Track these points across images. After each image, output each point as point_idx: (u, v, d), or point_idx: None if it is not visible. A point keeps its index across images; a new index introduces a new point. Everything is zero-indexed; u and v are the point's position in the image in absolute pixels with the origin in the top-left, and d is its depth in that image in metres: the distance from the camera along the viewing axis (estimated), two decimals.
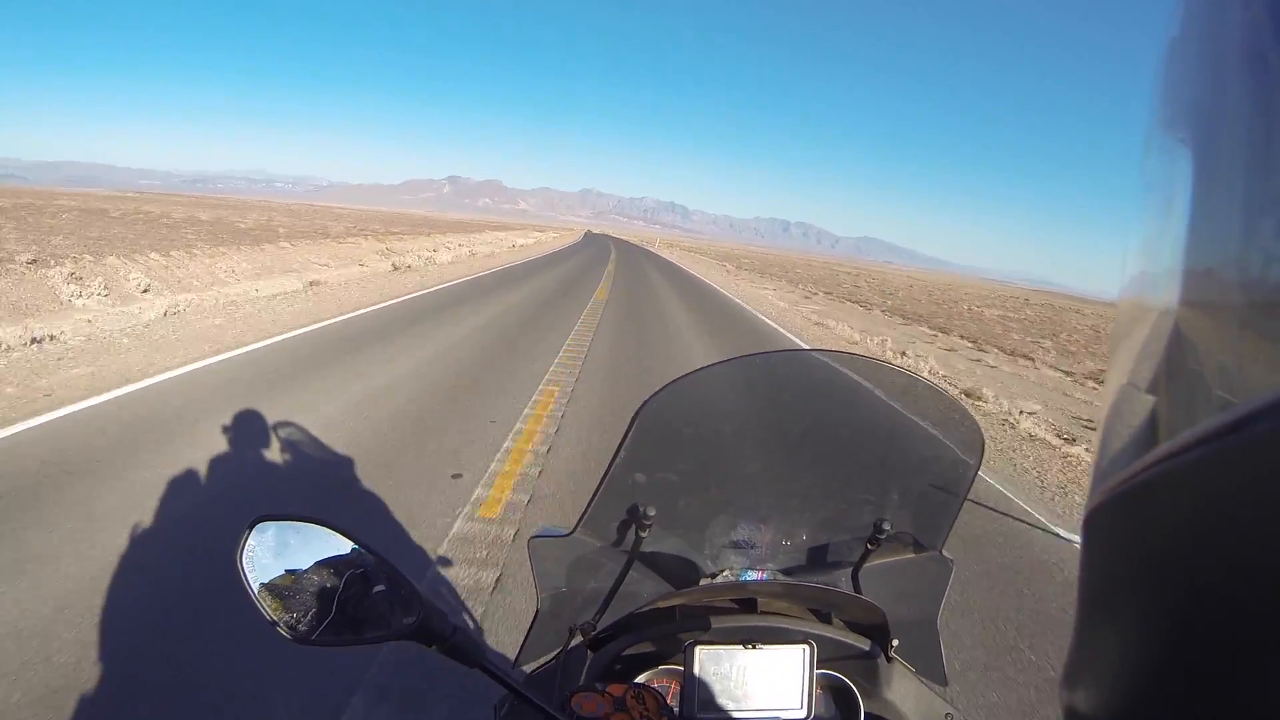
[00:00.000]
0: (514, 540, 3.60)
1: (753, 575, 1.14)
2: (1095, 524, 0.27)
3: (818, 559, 1.19)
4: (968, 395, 9.43)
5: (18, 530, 3.20)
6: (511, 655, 1.15)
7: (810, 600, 1.12)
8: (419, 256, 21.25)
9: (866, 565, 1.18)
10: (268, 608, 0.76)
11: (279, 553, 0.78)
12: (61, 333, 7.21)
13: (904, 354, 12.54)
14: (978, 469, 1.12)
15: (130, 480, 3.86)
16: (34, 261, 9.86)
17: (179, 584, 2.90)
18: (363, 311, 10.47)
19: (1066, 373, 14.79)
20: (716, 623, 1.04)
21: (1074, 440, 7.53)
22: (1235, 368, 0.22)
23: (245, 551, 0.77)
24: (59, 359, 6.32)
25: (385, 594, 0.79)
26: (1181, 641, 0.22)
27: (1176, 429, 0.23)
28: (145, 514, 3.48)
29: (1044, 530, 4.76)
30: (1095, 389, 12.50)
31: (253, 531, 0.78)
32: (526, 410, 6.05)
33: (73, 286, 9.08)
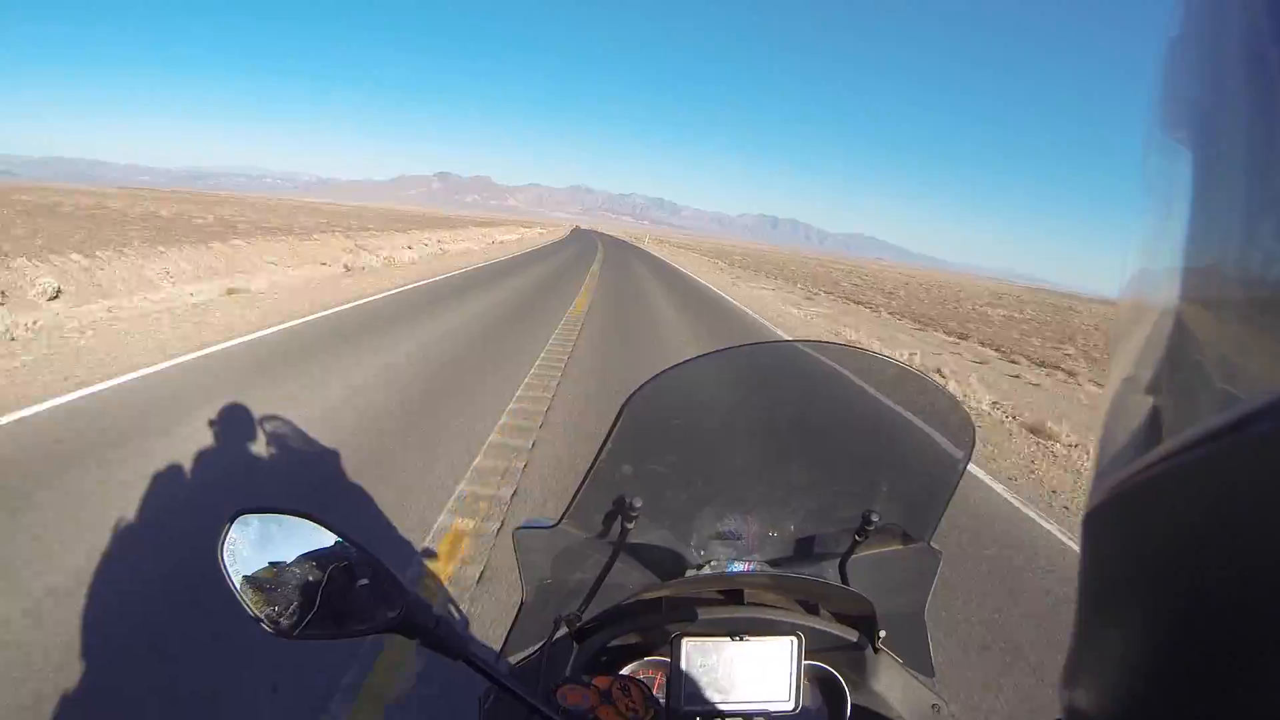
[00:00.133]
0: None
1: (739, 566, 1.13)
2: (1096, 523, 0.27)
3: (805, 550, 1.19)
4: (1036, 432, 7.70)
5: None
6: (497, 647, 1.14)
7: (797, 591, 1.16)
8: (382, 256, 19.33)
9: (854, 557, 1.18)
10: (249, 602, 0.75)
11: (261, 546, 0.77)
12: None
13: (940, 373, 10.79)
14: (968, 461, 1.13)
15: None
16: None
17: None
18: (265, 333, 8.15)
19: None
20: (703, 614, 1.05)
21: None
22: (1236, 367, 0.22)
23: (226, 544, 0.76)
24: None
25: (368, 587, 0.78)
26: (1182, 641, 0.22)
27: (1177, 428, 0.23)
28: None
29: None
30: None
31: (234, 524, 0.77)
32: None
33: None
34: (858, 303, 27.17)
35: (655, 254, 48.23)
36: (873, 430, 1.20)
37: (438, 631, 0.80)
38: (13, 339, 6.70)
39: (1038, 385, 12.15)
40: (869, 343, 13.43)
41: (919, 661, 1.16)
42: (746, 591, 1.12)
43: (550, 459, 4.92)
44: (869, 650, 1.09)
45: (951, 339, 18.19)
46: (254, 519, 0.78)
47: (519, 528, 1.09)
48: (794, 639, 1.02)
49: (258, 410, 5.13)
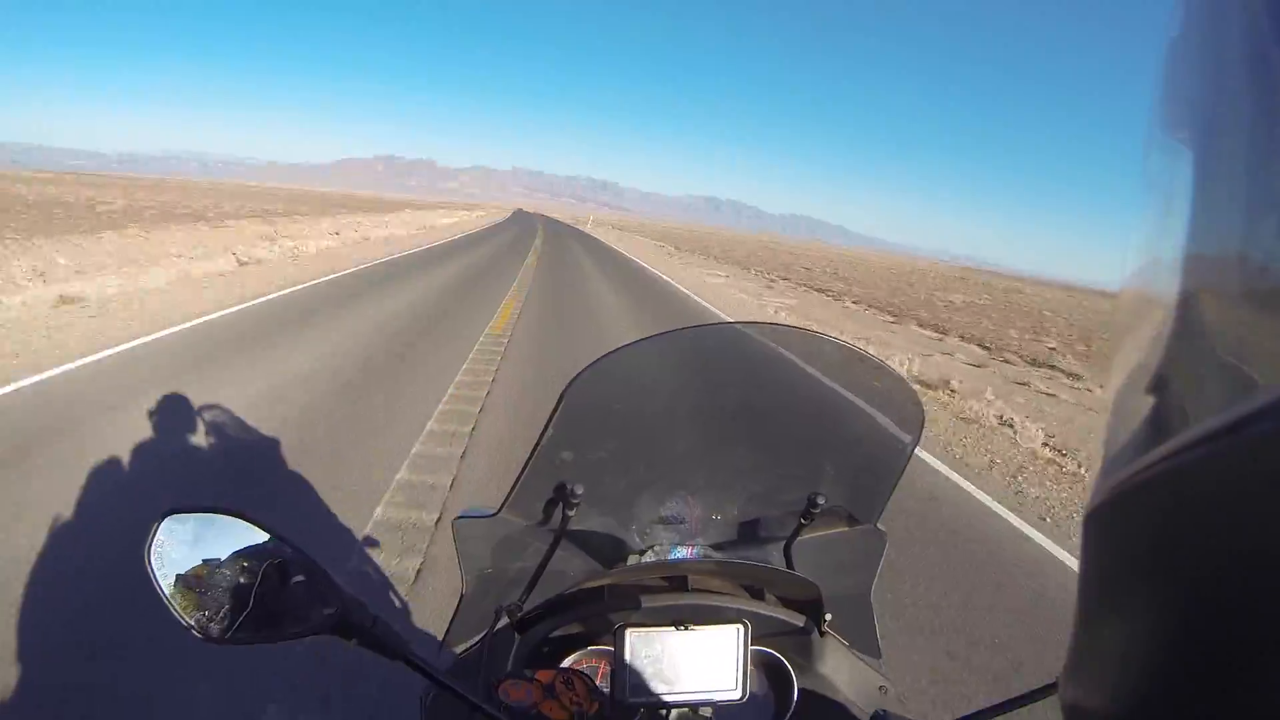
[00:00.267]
0: None
1: (682, 551, 1.13)
2: (1096, 522, 0.27)
3: (749, 533, 1.19)
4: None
5: None
6: (439, 638, 1.12)
7: (743, 577, 1.14)
8: (289, 246, 16.41)
9: (799, 539, 1.18)
10: (178, 608, 0.71)
11: (192, 547, 0.73)
12: None
13: (951, 387, 8.92)
14: (916, 443, 1.12)
15: None
16: None
17: None
18: (55, 371, 5.63)
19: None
20: (647, 601, 1.04)
21: None
22: (1237, 366, 0.22)
23: (154, 547, 0.72)
24: None
25: (303, 586, 0.74)
26: (1182, 640, 0.22)
27: (1178, 428, 0.23)
28: None
29: None
30: None
31: (162, 525, 0.73)
32: None
33: None
34: (818, 290, 25.45)
35: (600, 239, 44.75)
36: (818, 412, 1.21)
37: (375, 631, 0.76)
38: None
39: (1053, 395, 10.45)
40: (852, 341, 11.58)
41: (865, 643, 1.16)
42: (691, 578, 1.10)
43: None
44: (815, 634, 1.09)
45: (930, 334, 16.49)
46: (185, 519, 0.73)
47: (458, 517, 1.07)
48: (741, 627, 1.00)
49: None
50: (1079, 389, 11.48)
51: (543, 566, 1.07)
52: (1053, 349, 17.28)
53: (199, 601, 0.71)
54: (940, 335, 16.31)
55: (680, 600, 1.05)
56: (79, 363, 5.97)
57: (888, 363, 1.16)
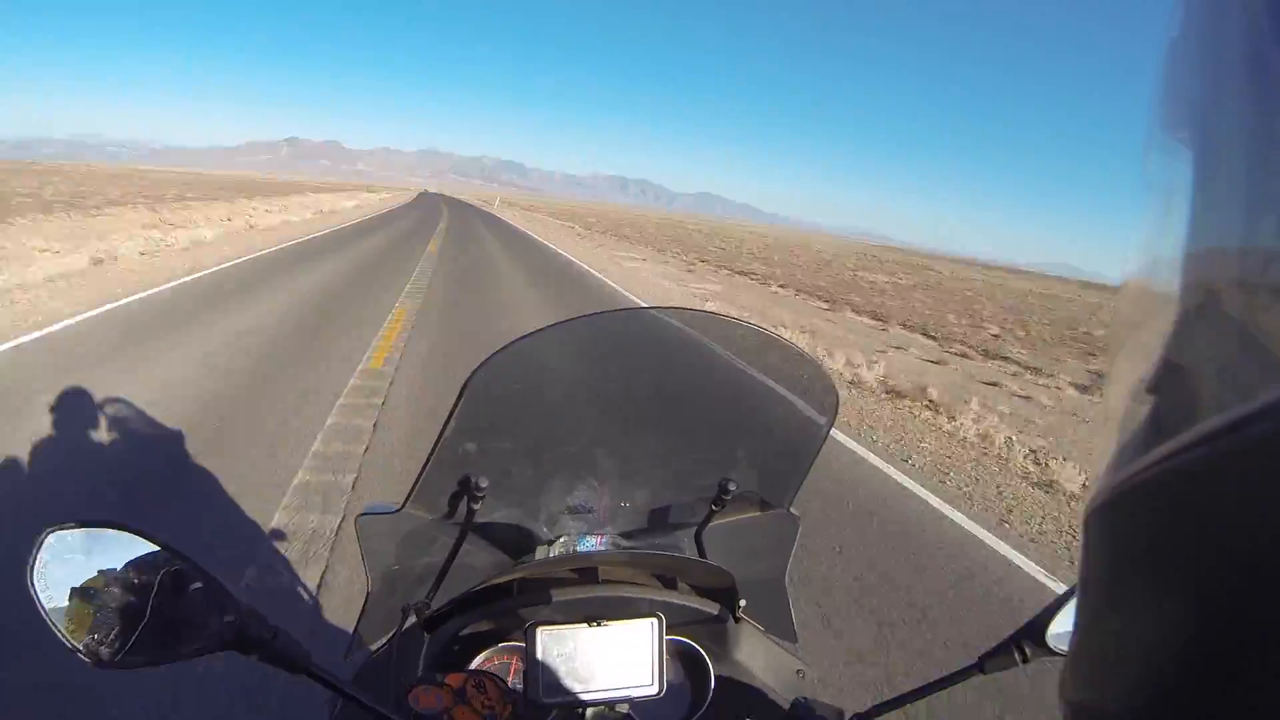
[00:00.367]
0: None
1: (591, 541, 1.10)
2: (1097, 521, 0.27)
3: (659, 521, 1.17)
4: None
5: None
6: (346, 637, 1.08)
7: (654, 567, 1.12)
8: (149, 239, 14.05)
9: (711, 525, 1.16)
10: (65, 631, 0.64)
11: (78, 564, 0.66)
12: None
13: (929, 398, 7.55)
14: (830, 427, 1.10)
15: None
16: None
17: None
18: None
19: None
20: (557, 595, 1.01)
21: None
22: (1237, 366, 0.22)
23: (37, 566, 0.65)
24: None
25: (201, 593, 0.69)
26: (1183, 640, 0.22)
27: (1177, 428, 0.22)
28: None
29: None
30: None
31: (45, 542, 0.66)
32: None
33: None
34: (742, 273, 24.13)
35: (508, 221, 41.99)
36: (731, 397, 1.19)
37: (275, 644, 0.71)
38: None
39: (1028, 398, 9.30)
40: (797, 336, 10.10)
41: (781, 628, 1.15)
42: (601, 569, 1.08)
43: None
44: (730, 621, 1.07)
45: (870, 321, 15.32)
46: (67, 535, 0.67)
47: (361, 514, 1.03)
48: (655, 620, 0.97)
49: None
50: (1047, 386, 10.46)
51: (449, 562, 1.05)
52: (996, 335, 16.50)
53: (91, 620, 0.65)
54: (882, 324, 15.15)
55: (592, 593, 1.03)
56: None
57: (797, 344, 1.12)
